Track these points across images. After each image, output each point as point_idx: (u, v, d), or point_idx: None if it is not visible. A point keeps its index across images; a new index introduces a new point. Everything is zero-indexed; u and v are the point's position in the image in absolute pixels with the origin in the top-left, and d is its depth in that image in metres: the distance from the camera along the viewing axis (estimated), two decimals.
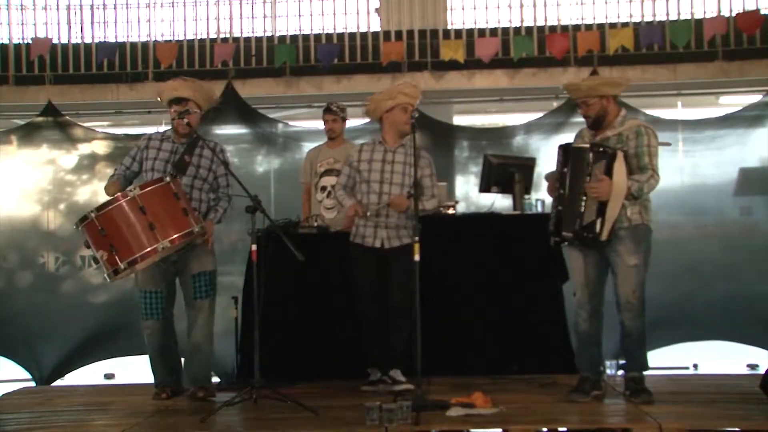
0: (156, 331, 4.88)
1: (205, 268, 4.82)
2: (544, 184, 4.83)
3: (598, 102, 4.55)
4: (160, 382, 4.97)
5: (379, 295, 5.00)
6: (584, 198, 4.41)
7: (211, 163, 4.89)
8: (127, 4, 8.45)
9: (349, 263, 5.08)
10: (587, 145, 4.49)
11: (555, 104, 7.93)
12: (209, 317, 4.86)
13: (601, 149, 4.43)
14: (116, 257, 4.26)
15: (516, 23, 8.21)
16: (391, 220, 4.99)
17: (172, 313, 4.99)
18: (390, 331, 4.99)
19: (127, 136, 8.07)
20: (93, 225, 4.29)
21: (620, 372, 4.82)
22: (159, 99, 4.94)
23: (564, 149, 4.60)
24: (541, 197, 5.74)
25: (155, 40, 8.24)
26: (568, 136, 4.84)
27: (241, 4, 8.41)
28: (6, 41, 8.37)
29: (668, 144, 4.57)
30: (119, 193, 4.39)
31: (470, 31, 8.14)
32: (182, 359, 5.10)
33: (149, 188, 4.36)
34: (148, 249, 4.26)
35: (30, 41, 8.20)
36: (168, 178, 4.46)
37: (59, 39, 8.36)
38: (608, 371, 6.62)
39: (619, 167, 4.36)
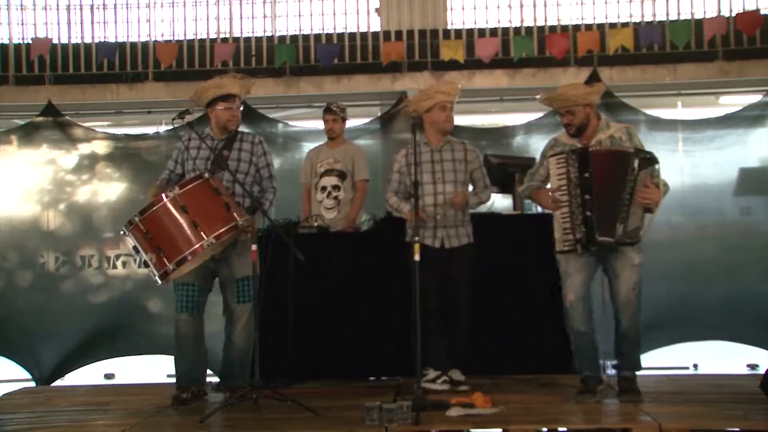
0: (190, 325, 4.83)
1: (248, 272, 4.72)
2: (536, 179, 4.83)
3: (583, 110, 4.58)
4: (183, 382, 4.87)
5: (439, 294, 4.96)
6: (628, 203, 4.39)
7: (251, 156, 4.89)
8: (127, 4, 8.45)
9: (408, 265, 4.71)
10: (632, 150, 4.45)
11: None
12: (250, 321, 4.78)
13: (647, 156, 4.43)
14: (164, 259, 4.25)
15: (516, 23, 8.22)
16: (449, 220, 4.99)
17: (204, 309, 4.94)
18: (451, 331, 4.98)
19: (127, 136, 8.08)
20: (139, 228, 4.30)
21: (612, 371, 4.84)
22: (197, 98, 4.89)
23: (581, 154, 4.48)
24: None
25: (155, 40, 8.25)
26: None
27: (241, 4, 8.42)
28: (6, 41, 8.38)
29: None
30: (161, 194, 4.38)
31: (470, 31, 8.15)
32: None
33: (188, 186, 4.36)
34: (195, 246, 4.24)
35: (30, 41, 8.21)
36: (206, 174, 4.44)
37: (59, 39, 8.37)
38: (608, 371, 6.63)
39: (659, 175, 4.42)
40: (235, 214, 4.38)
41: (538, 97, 4.81)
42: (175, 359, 4.98)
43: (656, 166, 4.50)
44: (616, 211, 4.39)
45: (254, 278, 4.61)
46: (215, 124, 4.91)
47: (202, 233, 4.25)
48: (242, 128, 5.08)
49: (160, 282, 4.40)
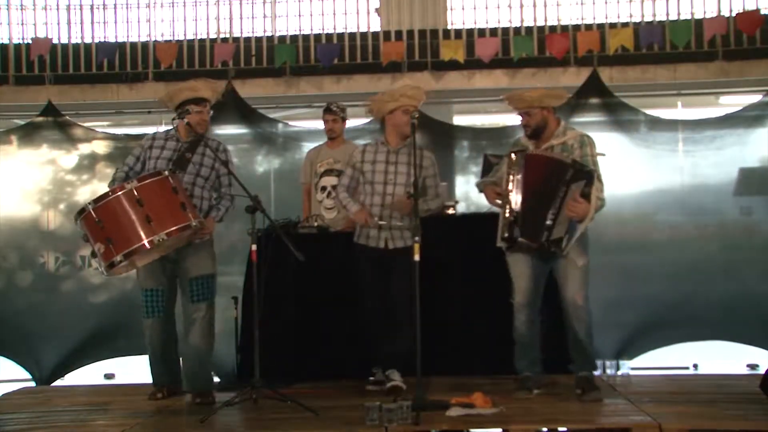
0: (156, 329, 4.88)
1: (203, 271, 4.80)
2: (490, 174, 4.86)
3: (540, 113, 4.64)
4: (157, 382, 4.97)
5: (382, 295, 4.98)
6: (556, 212, 4.43)
7: (213, 162, 4.90)
8: (127, 4, 8.46)
9: (352, 263, 5.06)
10: (569, 161, 4.49)
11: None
12: (207, 320, 4.82)
13: (582, 168, 4.45)
14: (112, 249, 4.22)
15: (516, 23, 8.22)
16: (395, 222, 4.98)
17: (173, 311, 4.98)
18: (392, 332, 4.98)
19: (127, 136, 8.06)
20: (90, 217, 4.27)
21: (611, 371, 4.90)
22: (168, 99, 4.91)
23: (521, 155, 4.58)
24: None
25: (155, 40, 8.25)
26: None
27: (241, 4, 8.42)
28: (6, 41, 8.38)
29: (603, 154, 4.64)
30: (116, 185, 4.40)
31: (470, 31, 8.15)
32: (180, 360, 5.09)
33: (147, 181, 4.36)
34: (145, 241, 4.23)
35: (30, 41, 8.21)
36: (166, 172, 4.46)
37: (59, 39, 8.37)
38: (608, 371, 6.64)
39: (596, 187, 4.41)
40: (189, 215, 4.39)
41: (501, 97, 4.87)
42: (148, 362, 5.03)
43: (599, 181, 4.48)
44: (542, 216, 4.44)
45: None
46: (183, 125, 4.90)
47: (154, 228, 4.25)
48: (242, 128, 5.11)
49: (105, 274, 4.38)
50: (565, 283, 4.57)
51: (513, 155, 4.61)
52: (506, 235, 4.54)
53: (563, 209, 4.42)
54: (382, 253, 4.98)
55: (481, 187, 4.89)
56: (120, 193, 4.29)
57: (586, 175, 4.43)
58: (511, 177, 4.56)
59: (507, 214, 4.53)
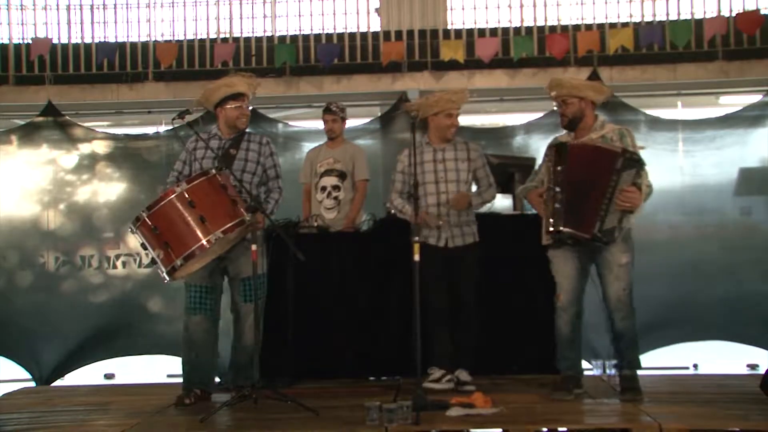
0: (202, 327, 4.81)
1: (255, 271, 4.69)
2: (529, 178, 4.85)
3: (578, 103, 4.60)
4: (188, 384, 4.83)
5: (445, 294, 4.96)
6: (608, 202, 4.37)
7: (258, 156, 4.92)
8: (127, 4, 8.46)
9: (410, 263, 4.66)
10: (619, 150, 4.42)
11: (555, 104, 7.92)
12: (258, 319, 4.76)
13: (633, 158, 4.40)
14: (172, 254, 4.24)
15: (516, 23, 8.22)
16: (453, 219, 4.99)
17: (219, 310, 4.93)
18: (457, 331, 4.98)
19: (127, 136, 8.08)
20: (146, 224, 4.29)
21: (611, 371, 4.86)
22: (204, 99, 4.89)
23: (558, 149, 4.56)
24: None
25: (155, 40, 8.25)
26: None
27: (241, 4, 8.42)
28: (6, 41, 8.38)
29: (644, 147, 4.62)
30: (167, 190, 4.38)
31: (470, 31, 8.15)
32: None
33: (195, 182, 4.36)
34: (203, 241, 4.23)
35: (30, 41, 8.21)
36: (213, 171, 4.45)
37: (59, 39, 8.38)
38: (608, 371, 6.63)
39: (644, 177, 4.40)
40: (242, 210, 4.39)
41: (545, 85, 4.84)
42: (182, 360, 4.94)
43: (645, 169, 4.46)
44: (592, 207, 4.38)
45: (254, 278, 4.62)
46: (224, 123, 4.92)
47: (209, 228, 4.25)
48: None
49: (168, 279, 4.36)
50: (608, 281, 4.51)
51: (554, 149, 4.58)
52: (551, 228, 4.46)
53: (614, 199, 4.37)
54: (443, 252, 4.97)
55: (524, 194, 4.87)
56: (171, 197, 4.29)
57: (636, 163, 4.39)
58: (555, 170, 4.50)
59: (554, 206, 4.46)
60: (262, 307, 4.90)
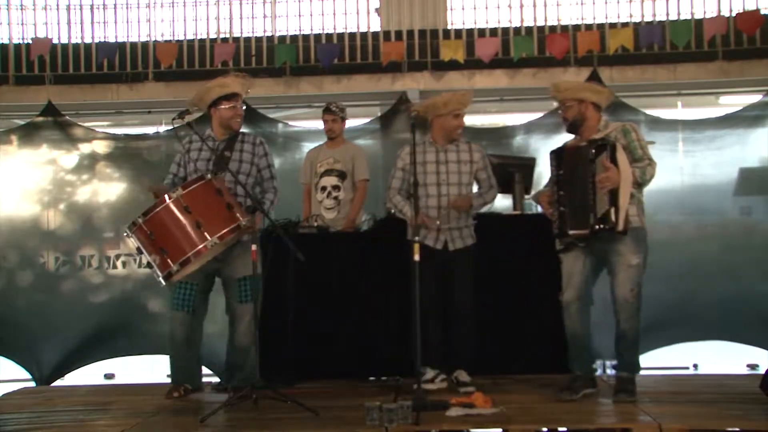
0: (183, 323, 4.84)
1: (251, 271, 4.68)
2: (545, 183, 4.85)
3: (576, 106, 4.61)
4: (175, 379, 4.92)
5: (441, 296, 4.98)
6: (592, 191, 4.42)
7: (252, 157, 4.91)
8: (127, 4, 8.46)
9: (409, 264, 4.66)
10: (585, 143, 4.52)
11: (555, 104, 7.90)
12: (253, 320, 4.74)
13: (600, 142, 4.46)
14: (168, 260, 4.26)
15: (516, 23, 8.22)
16: (453, 221, 4.99)
17: (203, 309, 4.96)
18: (454, 332, 4.99)
19: (127, 136, 8.07)
20: (142, 230, 4.30)
21: (612, 371, 4.85)
22: (198, 100, 4.88)
23: (557, 153, 4.66)
24: None
25: (155, 40, 8.25)
26: (568, 136, 4.85)
27: (241, 4, 8.42)
28: (6, 41, 8.38)
29: (653, 143, 4.66)
30: (164, 195, 4.38)
31: (470, 31, 8.16)
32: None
33: (191, 187, 4.37)
34: (199, 247, 4.25)
35: (30, 41, 8.21)
36: (209, 175, 4.45)
37: (59, 39, 8.38)
38: (608, 371, 6.63)
39: (621, 155, 4.41)
40: (237, 215, 4.39)
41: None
42: (169, 357, 5.01)
43: (631, 155, 4.47)
44: (584, 202, 4.44)
45: (254, 278, 4.61)
46: (218, 124, 4.92)
47: (205, 234, 4.26)
48: (242, 128, 5.09)
49: (164, 283, 4.40)
50: (617, 281, 4.51)
51: (553, 155, 4.67)
52: (556, 232, 4.57)
53: (597, 185, 4.41)
54: (442, 255, 4.97)
55: (537, 199, 4.91)
56: (167, 202, 4.30)
57: (604, 147, 4.42)
58: (558, 175, 4.61)
59: (560, 210, 4.55)
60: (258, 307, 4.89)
